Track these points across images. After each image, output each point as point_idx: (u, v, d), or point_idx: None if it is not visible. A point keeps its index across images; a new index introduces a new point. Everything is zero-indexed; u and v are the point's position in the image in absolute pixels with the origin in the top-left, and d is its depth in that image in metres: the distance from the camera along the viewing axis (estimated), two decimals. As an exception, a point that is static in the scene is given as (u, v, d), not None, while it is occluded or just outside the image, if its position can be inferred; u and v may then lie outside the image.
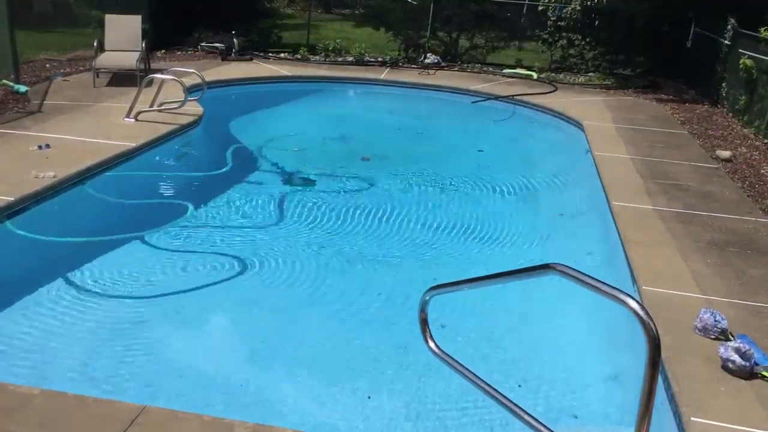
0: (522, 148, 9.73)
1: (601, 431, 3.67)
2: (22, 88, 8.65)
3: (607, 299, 2.00)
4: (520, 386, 3.77)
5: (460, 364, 2.95)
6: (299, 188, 7.24)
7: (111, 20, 10.26)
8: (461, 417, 3.66)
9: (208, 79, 8.91)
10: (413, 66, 13.46)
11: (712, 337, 3.80)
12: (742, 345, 3.52)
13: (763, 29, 9.39)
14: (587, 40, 13.91)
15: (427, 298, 3.06)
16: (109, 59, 9.81)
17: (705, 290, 4.45)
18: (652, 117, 10.16)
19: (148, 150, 7.03)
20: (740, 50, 10.13)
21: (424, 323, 3.11)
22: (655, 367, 1.95)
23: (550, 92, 11.54)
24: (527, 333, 4.63)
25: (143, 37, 10.08)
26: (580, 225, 6.55)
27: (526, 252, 5.89)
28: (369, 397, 3.72)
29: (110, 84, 9.70)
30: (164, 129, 7.47)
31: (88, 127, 7.32)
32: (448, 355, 3.04)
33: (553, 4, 14.40)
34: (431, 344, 3.11)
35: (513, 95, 11.14)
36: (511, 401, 2.62)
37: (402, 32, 14.74)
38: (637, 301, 1.98)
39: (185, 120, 7.87)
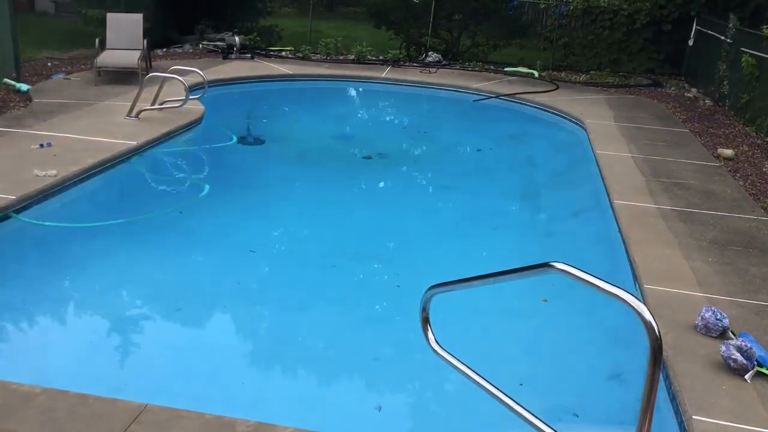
0: (523, 147, 9.71)
1: (603, 430, 3.67)
2: (24, 87, 8.67)
3: (608, 297, 2.00)
4: (521, 385, 3.77)
5: (462, 363, 2.95)
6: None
7: (112, 19, 10.26)
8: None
9: (209, 77, 8.91)
10: (414, 64, 13.46)
11: (714, 335, 3.80)
12: (743, 343, 3.51)
13: (765, 27, 9.37)
14: (589, 38, 13.91)
15: (428, 296, 3.06)
16: (110, 58, 9.81)
17: (706, 288, 4.45)
18: (654, 115, 10.15)
19: (149, 148, 7.03)
20: (742, 48, 10.12)
21: (425, 322, 3.11)
22: (657, 366, 1.95)
23: (551, 90, 11.54)
24: (528, 331, 4.63)
25: (144, 36, 10.09)
26: (582, 224, 6.54)
27: (526, 250, 5.88)
28: (379, 409, 3.68)
29: (112, 83, 9.71)
30: (166, 127, 7.48)
31: (90, 126, 7.33)
32: (449, 353, 3.03)
33: (555, 3, 14.40)
34: (432, 343, 3.10)
35: (514, 94, 11.13)
36: (512, 399, 2.62)
37: (403, 31, 14.74)
38: (639, 300, 1.97)
39: (186, 119, 7.88)
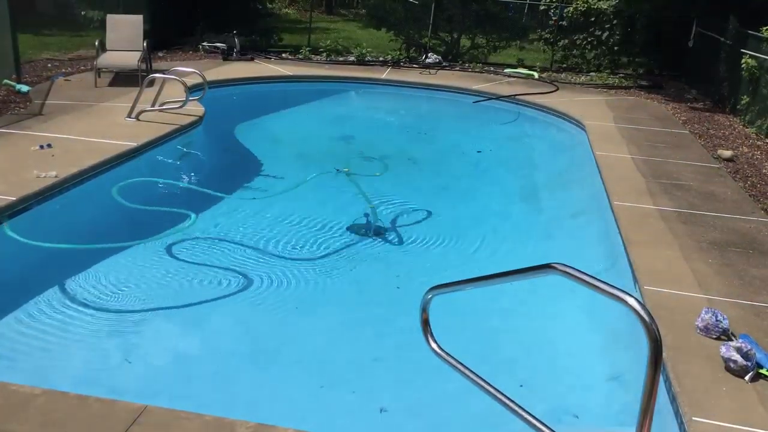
0: (522, 148, 9.73)
1: (602, 431, 3.67)
2: (24, 88, 8.66)
3: (608, 299, 2.00)
4: (521, 386, 3.77)
5: (462, 364, 2.95)
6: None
7: (112, 20, 10.27)
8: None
9: (209, 78, 8.91)
10: (414, 66, 13.46)
11: (714, 336, 3.80)
12: (743, 345, 3.51)
13: (765, 29, 9.38)
14: (589, 39, 13.92)
15: (429, 297, 3.06)
16: (110, 59, 9.82)
17: (706, 290, 4.45)
18: (654, 117, 10.15)
19: (149, 150, 7.02)
20: (742, 50, 10.13)
21: (425, 323, 3.11)
22: (657, 367, 1.95)
23: (551, 92, 11.54)
24: (528, 332, 4.63)
25: (144, 37, 10.09)
26: (582, 225, 6.55)
27: (526, 251, 5.89)
28: (381, 411, 3.68)
29: (112, 84, 9.71)
30: (166, 129, 7.47)
31: (90, 127, 7.32)
32: (449, 355, 3.03)
33: (554, 4, 14.42)
34: (433, 345, 3.10)
35: (514, 95, 11.14)
36: (512, 401, 2.62)
37: (403, 32, 14.75)
38: (639, 301, 1.97)
39: (187, 120, 7.87)
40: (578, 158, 8.35)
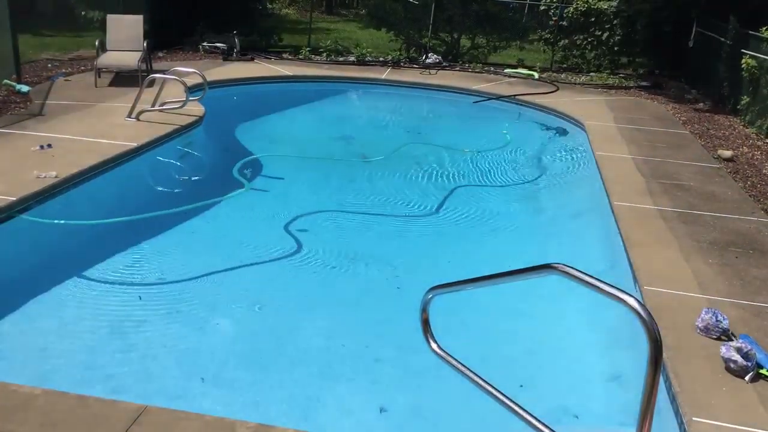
0: (522, 148, 9.71)
1: (602, 431, 3.67)
2: (24, 88, 8.66)
3: (608, 299, 2.00)
4: (521, 386, 3.77)
5: (462, 365, 2.95)
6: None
7: (113, 20, 10.26)
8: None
9: (209, 79, 8.91)
10: (415, 66, 13.46)
11: (714, 337, 3.80)
12: (743, 345, 3.51)
13: (765, 29, 9.38)
14: (589, 40, 13.92)
15: (429, 297, 3.06)
16: (110, 59, 9.82)
17: (707, 290, 4.45)
18: (654, 117, 10.15)
19: (149, 150, 7.03)
20: (742, 50, 10.13)
21: (425, 323, 3.11)
22: (657, 367, 1.95)
23: (551, 92, 11.54)
24: (528, 332, 4.63)
25: (145, 37, 10.09)
26: (582, 225, 6.55)
27: (526, 251, 5.89)
28: (381, 410, 3.68)
29: (112, 84, 9.71)
30: (166, 129, 7.47)
31: (90, 127, 7.32)
32: (449, 355, 3.03)
33: (554, 4, 14.42)
34: (433, 345, 3.10)
35: (514, 95, 11.14)
36: (512, 401, 2.62)
37: (403, 32, 14.74)
38: (639, 301, 1.97)
39: (187, 120, 7.87)
40: (578, 158, 8.35)
